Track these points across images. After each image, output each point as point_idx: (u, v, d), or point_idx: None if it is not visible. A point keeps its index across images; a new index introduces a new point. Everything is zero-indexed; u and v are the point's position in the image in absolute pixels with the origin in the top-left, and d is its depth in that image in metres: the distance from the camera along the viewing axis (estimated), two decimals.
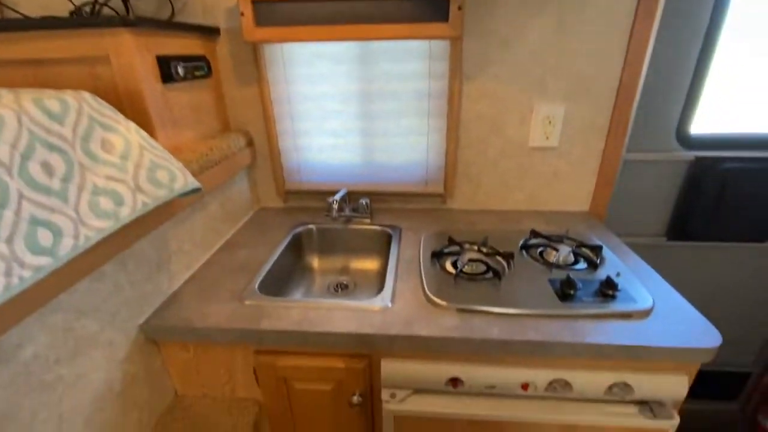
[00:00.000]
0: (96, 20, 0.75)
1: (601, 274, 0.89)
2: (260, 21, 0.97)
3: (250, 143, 1.21)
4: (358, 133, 1.18)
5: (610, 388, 0.74)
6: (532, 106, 1.11)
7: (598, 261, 0.94)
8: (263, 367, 0.82)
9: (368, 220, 1.21)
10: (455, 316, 0.78)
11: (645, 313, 0.77)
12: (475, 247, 1.02)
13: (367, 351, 0.80)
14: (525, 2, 1.00)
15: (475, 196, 1.26)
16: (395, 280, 0.90)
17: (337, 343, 0.76)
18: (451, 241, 1.04)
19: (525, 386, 0.76)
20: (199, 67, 0.98)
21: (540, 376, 0.75)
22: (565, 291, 0.82)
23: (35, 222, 0.52)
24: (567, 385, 0.75)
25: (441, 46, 1.05)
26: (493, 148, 1.18)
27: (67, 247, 0.56)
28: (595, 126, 1.12)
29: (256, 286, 0.89)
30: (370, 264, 1.21)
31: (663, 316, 0.76)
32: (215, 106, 1.10)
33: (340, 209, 1.22)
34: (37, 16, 0.85)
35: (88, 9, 0.94)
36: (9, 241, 0.49)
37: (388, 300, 0.83)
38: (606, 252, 0.98)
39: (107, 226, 0.62)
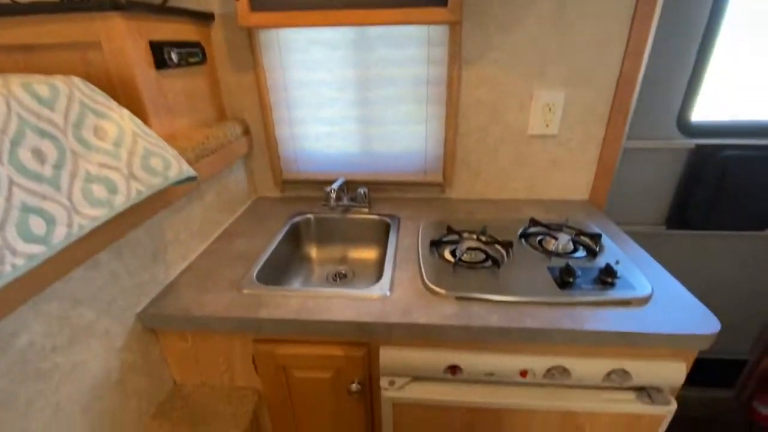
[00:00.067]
0: (86, 4, 0.73)
1: (601, 262, 0.89)
2: (255, 6, 0.94)
3: (246, 132, 1.19)
4: (356, 120, 1.17)
5: (609, 374, 0.74)
6: (532, 93, 1.09)
7: (598, 249, 0.93)
8: (262, 356, 0.82)
9: (366, 210, 1.21)
10: (454, 304, 0.78)
11: (644, 301, 0.77)
12: (474, 236, 1.01)
13: (365, 339, 0.80)
14: None
15: (474, 185, 1.25)
16: (394, 269, 0.90)
17: (335, 332, 0.76)
18: (450, 230, 1.03)
19: (524, 373, 0.76)
20: (194, 54, 0.96)
21: (538, 363, 0.75)
22: (564, 279, 0.82)
23: (27, 209, 0.51)
24: (565, 372, 0.75)
25: (440, 32, 1.04)
26: (492, 136, 1.16)
27: (60, 236, 0.55)
28: (595, 113, 1.11)
29: (254, 275, 0.89)
30: (369, 253, 1.20)
31: (662, 303, 0.76)
32: (210, 94, 1.09)
33: (338, 198, 1.21)
34: (26, 0, 0.83)
35: None
36: (0, 228, 0.48)
37: (387, 288, 0.83)
38: (605, 240, 0.97)
39: (101, 214, 0.61)
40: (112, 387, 0.72)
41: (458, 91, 1.10)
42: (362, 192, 1.20)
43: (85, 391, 0.66)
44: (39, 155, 0.55)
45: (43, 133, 0.56)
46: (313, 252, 1.22)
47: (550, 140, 1.16)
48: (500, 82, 1.09)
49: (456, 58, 1.05)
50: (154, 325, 0.80)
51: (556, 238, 0.97)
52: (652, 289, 0.79)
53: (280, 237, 1.06)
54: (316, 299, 0.81)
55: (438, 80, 1.10)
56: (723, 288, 1.42)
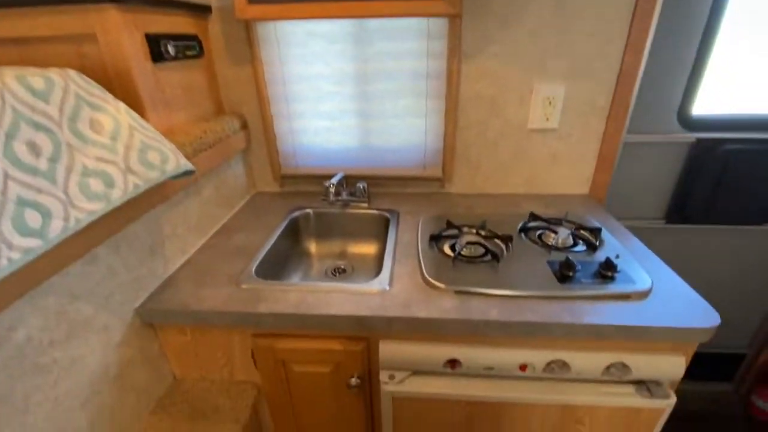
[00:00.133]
0: None
1: (600, 256, 0.88)
2: None
3: (244, 126, 1.18)
4: (355, 114, 1.16)
5: (608, 368, 0.74)
6: (532, 86, 1.09)
7: (597, 243, 0.93)
8: (261, 350, 0.81)
9: (366, 205, 1.20)
10: (453, 298, 0.78)
11: (644, 294, 0.76)
12: (474, 231, 1.01)
13: (365, 333, 0.80)
14: None
15: (474, 180, 1.25)
16: (393, 264, 0.90)
17: (334, 326, 0.76)
18: (450, 225, 1.03)
19: (523, 367, 0.76)
20: (191, 47, 0.95)
21: (538, 357, 0.75)
22: (564, 273, 0.81)
23: (22, 203, 0.51)
24: (565, 365, 0.75)
25: (439, 25, 1.03)
26: (492, 130, 1.16)
27: (56, 229, 0.55)
28: (595, 107, 1.10)
29: (253, 270, 0.88)
30: (368, 248, 1.20)
31: (662, 297, 0.76)
32: (208, 88, 1.08)
33: (337, 193, 1.20)
34: None
35: None
36: None
37: (386, 283, 0.83)
38: (605, 234, 0.97)
39: (98, 208, 0.60)
40: (111, 382, 0.72)
41: (458, 84, 1.10)
42: (361, 187, 1.20)
43: (83, 385, 0.66)
44: (34, 148, 0.54)
45: (38, 126, 0.55)
46: (312, 247, 1.21)
47: (550, 134, 1.15)
48: (500, 76, 1.08)
49: (456, 51, 1.04)
50: (153, 319, 0.80)
51: (555, 233, 0.97)
52: (652, 282, 0.79)
53: (279, 232, 1.06)
54: (315, 293, 0.80)
55: (437, 74, 1.09)
56: (722, 282, 1.42)
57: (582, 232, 0.99)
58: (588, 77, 1.06)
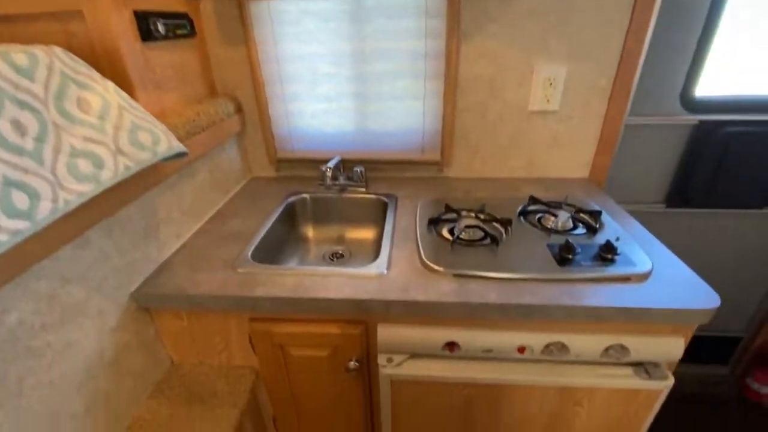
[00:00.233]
0: None
1: (600, 238, 0.87)
2: None
3: (239, 109, 1.16)
4: (352, 96, 1.14)
5: (607, 350, 0.74)
6: (533, 67, 1.06)
7: (597, 226, 0.92)
8: (258, 335, 0.81)
9: (363, 189, 1.19)
10: (452, 282, 0.77)
11: (644, 277, 0.76)
12: (473, 214, 1.00)
13: (363, 317, 0.79)
14: None
15: (473, 164, 1.23)
16: (391, 248, 0.89)
17: (332, 309, 0.75)
18: (448, 209, 1.02)
19: (521, 349, 0.76)
20: (181, 25, 0.92)
21: (537, 339, 0.75)
22: (564, 255, 0.81)
23: (8, 183, 0.49)
24: (564, 348, 0.75)
25: (437, 2, 0.99)
26: (491, 112, 1.14)
27: (45, 211, 0.53)
28: (597, 88, 1.08)
29: (249, 254, 0.87)
30: (366, 233, 1.19)
31: (662, 279, 0.76)
32: (200, 69, 1.05)
33: (334, 178, 1.19)
34: None
35: None
36: None
37: (384, 267, 0.82)
38: (605, 217, 0.96)
39: (88, 189, 0.59)
40: (107, 366, 0.71)
41: (457, 65, 1.07)
42: (359, 171, 1.18)
43: (79, 369, 0.65)
44: (19, 127, 0.52)
45: (22, 104, 0.53)
46: (310, 232, 1.20)
47: (551, 116, 1.13)
48: (500, 56, 1.06)
49: (454, 30, 1.01)
50: (149, 304, 0.79)
51: (555, 216, 0.96)
52: (653, 265, 0.78)
53: (275, 217, 1.05)
54: (313, 277, 0.80)
55: (436, 54, 1.06)
56: (719, 266, 1.42)
57: (582, 215, 0.98)
58: (590, 57, 1.04)
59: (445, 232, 0.94)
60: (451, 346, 0.76)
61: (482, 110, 1.13)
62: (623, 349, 0.74)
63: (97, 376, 0.69)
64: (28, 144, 0.53)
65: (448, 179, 1.25)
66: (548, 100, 1.09)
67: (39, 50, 0.58)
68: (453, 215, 1.00)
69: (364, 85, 1.11)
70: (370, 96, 1.13)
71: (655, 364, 0.76)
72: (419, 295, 0.74)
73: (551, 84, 1.07)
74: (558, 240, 0.87)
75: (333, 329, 0.79)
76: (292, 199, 1.16)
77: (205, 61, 1.07)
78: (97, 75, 0.65)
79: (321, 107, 1.16)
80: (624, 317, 0.70)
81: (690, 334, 0.74)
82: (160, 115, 0.84)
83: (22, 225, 0.50)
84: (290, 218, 1.15)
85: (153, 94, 0.84)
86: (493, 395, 0.81)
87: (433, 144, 1.20)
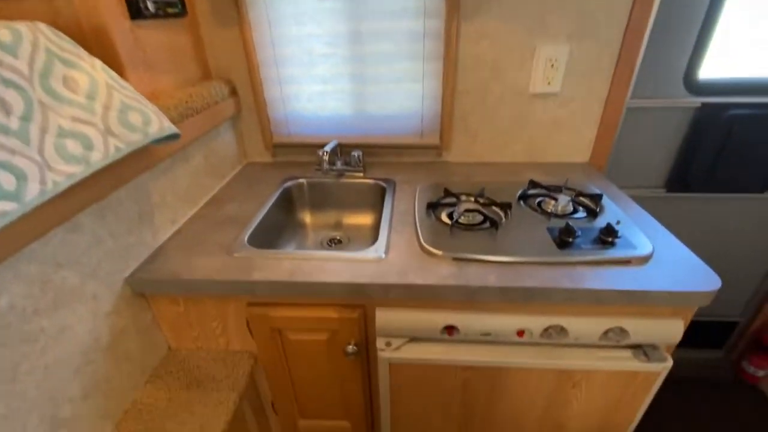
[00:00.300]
0: None
1: (601, 222, 0.87)
2: None
3: (233, 92, 1.13)
4: (349, 78, 1.11)
5: (606, 333, 0.74)
6: (534, 47, 1.04)
7: (598, 209, 0.91)
8: (256, 319, 0.80)
9: (361, 174, 1.17)
10: (451, 265, 0.76)
11: (644, 259, 0.75)
12: (472, 198, 0.99)
13: (361, 301, 0.79)
14: None
15: (472, 148, 1.21)
16: (389, 232, 0.88)
17: (330, 293, 0.75)
18: (447, 193, 1.00)
19: (520, 333, 0.75)
20: (172, 4, 0.89)
21: (536, 322, 0.74)
22: (564, 239, 0.80)
23: None
24: (563, 331, 0.74)
25: None
26: (492, 95, 1.12)
27: (33, 192, 0.52)
28: (599, 69, 1.06)
29: (246, 239, 0.86)
30: (364, 219, 1.18)
31: (663, 261, 0.75)
32: (193, 51, 1.02)
33: (331, 162, 1.17)
34: None
35: None
36: None
37: (382, 251, 0.81)
38: (606, 201, 0.95)
39: (77, 171, 0.57)
40: (104, 351, 0.71)
41: (456, 46, 1.04)
42: (356, 156, 1.16)
43: (74, 354, 0.65)
44: (3, 105, 0.50)
45: (6, 82, 0.51)
46: (307, 218, 1.19)
47: (552, 99, 1.11)
48: (501, 36, 1.03)
49: (454, 10, 0.99)
50: (144, 289, 0.78)
51: (555, 200, 0.95)
52: (653, 247, 0.77)
53: (272, 202, 1.03)
54: (310, 261, 0.79)
55: (435, 34, 1.03)
56: (717, 251, 1.42)
57: (582, 198, 0.97)
58: (592, 36, 1.01)
59: (444, 217, 0.92)
60: (450, 329, 0.76)
61: (482, 93, 1.11)
62: (623, 331, 0.73)
63: (94, 361, 0.69)
64: (14, 123, 0.51)
65: (448, 164, 1.23)
66: (549, 82, 1.07)
67: (23, 26, 0.56)
68: (452, 199, 0.99)
69: (362, 66, 1.09)
70: (367, 78, 1.10)
71: (654, 347, 0.76)
72: (418, 278, 0.73)
73: (553, 65, 1.05)
74: (558, 224, 0.86)
75: (331, 313, 0.78)
76: (288, 184, 1.14)
77: (198, 43, 1.04)
78: (83, 52, 0.62)
79: (317, 89, 1.13)
80: (624, 300, 0.70)
81: (690, 317, 0.74)
82: (152, 97, 0.82)
83: (9, 206, 0.49)
84: (287, 204, 1.14)
85: (144, 75, 0.81)
86: (492, 378, 0.81)
87: (432, 128, 1.18)
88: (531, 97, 1.11)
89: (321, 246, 1.11)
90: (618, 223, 0.84)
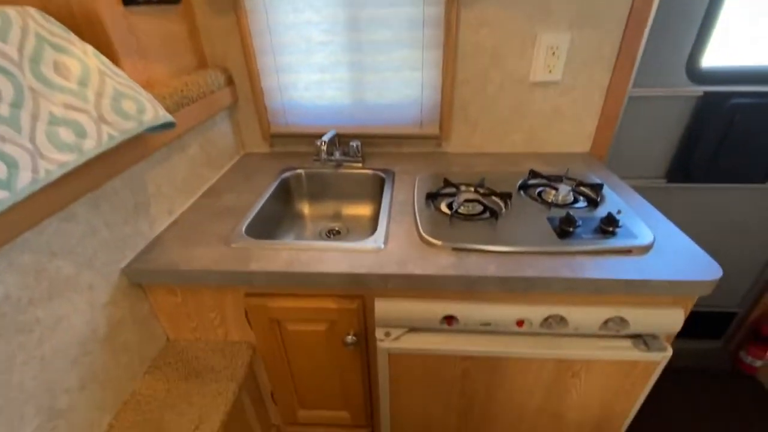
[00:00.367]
0: None
1: (602, 211, 0.86)
2: None
3: (229, 81, 1.12)
4: (347, 66, 1.09)
5: (606, 322, 0.74)
6: (535, 35, 1.02)
7: (599, 199, 0.90)
8: (254, 310, 0.80)
9: (360, 164, 1.16)
10: (451, 255, 0.75)
11: (645, 249, 0.75)
12: (472, 188, 0.98)
13: (360, 291, 0.78)
14: None
15: (472, 138, 1.20)
16: (388, 222, 0.87)
17: (329, 284, 0.74)
18: (447, 183, 1.00)
19: (520, 323, 0.75)
20: None
21: (535, 312, 0.74)
22: (564, 228, 0.79)
23: None
24: (562, 320, 0.74)
25: None
26: (492, 84, 1.10)
27: (25, 181, 0.51)
28: (601, 58, 1.04)
29: (243, 229, 0.85)
30: (363, 209, 1.17)
31: (663, 251, 0.74)
32: (189, 39, 1.00)
33: (330, 153, 1.16)
34: None
35: None
36: None
37: (381, 241, 0.80)
38: (606, 191, 0.94)
39: (70, 159, 0.56)
40: (101, 342, 0.70)
41: (456, 33, 1.03)
42: (355, 146, 1.15)
43: (71, 345, 0.64)
44: None
45: None
46: (305, 208, 1.18)
47: (552, 87, 1.10)
48: (502, 24, 1.01)
49: None
50: (141, 279, 0.78)
51: (555, 189, 0.94)
52: (654, 237, 0.77)
53: (269, 193, 1.02)
54: (308, 252, 0.78)
55: (435, 22, 1.01)
56: (716, 242, 1.42)
57: (583, 188, 0.96)
58: (594, 23, 1.00)
59: (443, 207, 0.92)
60: (450, 319, 0.76)
61: (482, 82, 1.10)
62: (623, 321, 0.73)
63: (91, 351, 0.68)
64: (4, 110, 0.50)
65: (447, 154, 1.22)
66: (550, 70, 1.06)
67: (12, 10, 0.54)
68: (452, 189, 0.98)
69: (360, 54, 1.07)
70: (365, 67, 1.09)
71: (654, 336, 0.76)
72: (417, 268, 0.72)
73: (554, 53, 1.03)
74: (558, 213, 0.86)
75: (330, 304, 0.78)
76: (286, 174, 1.13)
77: (193, 31, 1.03)
78: (75, 38, 0.61)
79: (315, 78, 1.12)
80: (624, 289, 0.69)
81: (690, 306, 0.74)
82: (146, 86, 0.80)
83: (1, 195, 0.48)
84: (285, 194, 1.13)
85: (138, 63, 0.80)
86: (491, 368, 0.81)
87: (432, 117, 1.16)
88: (531, 86, 1.10)
89: (319, 237, 1.10)
90: (619, 212, 0.84)
